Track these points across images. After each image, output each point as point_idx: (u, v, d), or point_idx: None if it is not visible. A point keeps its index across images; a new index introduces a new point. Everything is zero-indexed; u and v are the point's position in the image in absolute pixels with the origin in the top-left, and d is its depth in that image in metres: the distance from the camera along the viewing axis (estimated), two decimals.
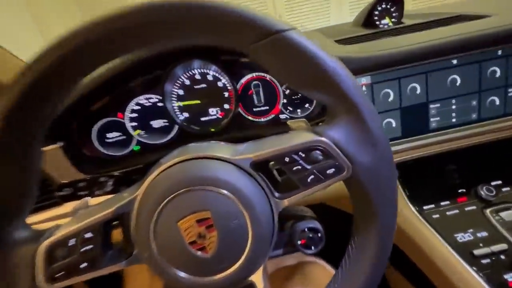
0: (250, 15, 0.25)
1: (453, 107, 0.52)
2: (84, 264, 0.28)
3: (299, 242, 0.32)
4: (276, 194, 0.30)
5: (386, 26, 0.66)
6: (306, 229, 0.32)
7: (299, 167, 0.28)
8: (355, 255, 0.31)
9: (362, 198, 0.30)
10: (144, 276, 0.86)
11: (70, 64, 0.25)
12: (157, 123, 0.55)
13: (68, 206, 0.43)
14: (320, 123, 0.31)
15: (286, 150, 0.28)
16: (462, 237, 0.43)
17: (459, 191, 0.50)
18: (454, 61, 0.50)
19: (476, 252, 0.40)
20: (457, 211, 0.47)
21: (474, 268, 0.39)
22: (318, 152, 0.28)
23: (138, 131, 0.54)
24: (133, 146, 0.55)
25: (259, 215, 0.28)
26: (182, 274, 0.28)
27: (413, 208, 0.50)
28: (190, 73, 0.52)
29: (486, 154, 0.53)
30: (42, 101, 0.25)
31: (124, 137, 0.54)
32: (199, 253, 0.28)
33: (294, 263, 0.57)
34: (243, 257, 0.28)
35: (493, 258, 0.40)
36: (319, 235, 0.32)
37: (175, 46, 0.45)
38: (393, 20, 0.66)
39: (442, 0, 2.26)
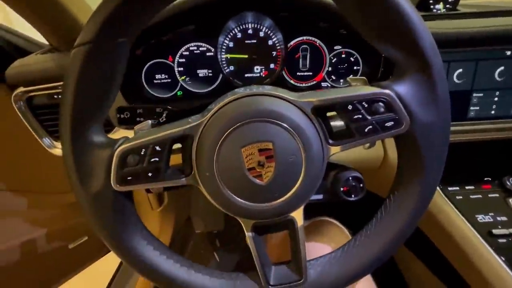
0: None
1: (495, 99, 0.53)
2: (150, 174, 0.31)
3: (341, 189, 0.35)
4: (330, 141, 0.32)
5: (439, 12, 0.65)
6: (350, 178, 0.34)
7: (360, 116, 0.30)
8: (393, 207, 0.33)
9: (412, 154, 0.31)
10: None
11: None
12: (202, 72, 0.56)
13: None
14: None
15: (350, 99, 0.30)
16: (483, 218, 0.45)
17: (485, 179, 0.52)
18: (508, 52, 0.50)
19: (495, 231, 0.43)
20: (480, 196, 0.49)
21: (492, 247, 0.42)
22: (380, 104, 0.30)
23: (184, 77, 0.56)
24: (177, 91, 0.57)
25: (314, 156, 0.31)
26: (234, 196, 0.31)
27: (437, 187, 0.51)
28: (244, 26, 0.53)
29: None
30: (143, 7, 0.27)
31: (170, 80, 0.56)
32: (255, 179, 0.30)
33: (309, 223, 0.61)
34: (292, 191, 0.31)
35: (510, 239, 0.42)
36: (361, 185, 0.35)
37: None
38: (447, 6, 0.65)
39: None
